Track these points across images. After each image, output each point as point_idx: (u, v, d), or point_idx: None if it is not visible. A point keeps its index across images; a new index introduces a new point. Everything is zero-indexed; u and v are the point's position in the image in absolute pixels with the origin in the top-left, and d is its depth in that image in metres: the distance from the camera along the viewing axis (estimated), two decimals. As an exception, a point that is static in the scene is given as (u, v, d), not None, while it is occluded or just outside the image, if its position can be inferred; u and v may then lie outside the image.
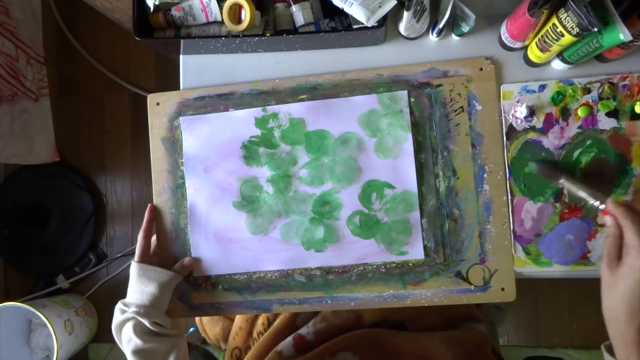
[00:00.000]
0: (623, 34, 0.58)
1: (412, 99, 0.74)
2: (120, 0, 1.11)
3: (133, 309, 0.70)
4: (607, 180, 0.70)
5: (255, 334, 0.82)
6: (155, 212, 0.79)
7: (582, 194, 0.65)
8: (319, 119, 0.76)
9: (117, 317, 0.71)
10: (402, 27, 0.72)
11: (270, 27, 0.76)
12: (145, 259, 0.75)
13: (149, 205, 0.79)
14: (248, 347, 0.83)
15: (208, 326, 0.93)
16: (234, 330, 0.85)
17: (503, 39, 0.71)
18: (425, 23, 0.72)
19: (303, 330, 0.75)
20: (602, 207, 0.61)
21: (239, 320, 0.85)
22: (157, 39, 0.76)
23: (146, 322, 0.69)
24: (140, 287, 0.71)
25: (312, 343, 0.73)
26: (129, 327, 0.70)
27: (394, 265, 0.73)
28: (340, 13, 0.72)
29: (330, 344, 0.71)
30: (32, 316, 1.56)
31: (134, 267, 0.73)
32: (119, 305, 0.72)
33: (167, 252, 0.79)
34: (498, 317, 1.37)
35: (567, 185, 0.68)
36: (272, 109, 0.77)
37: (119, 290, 1.64)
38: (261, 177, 0.77)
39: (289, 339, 0.75)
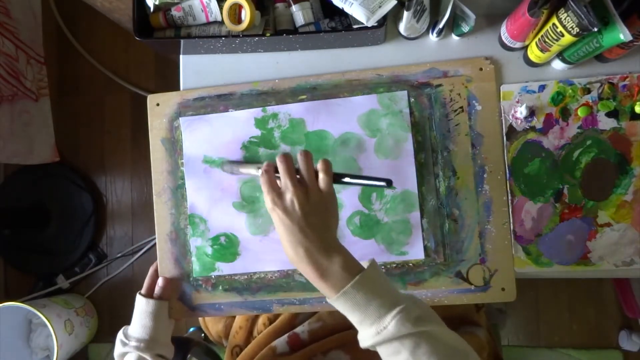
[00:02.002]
0: (623, 34, 0.58)
1: (412, 99, 0.74)
2: (121, 0, 1.11)
3: (133, 342, 0.71)
4: (606, 180, 0.70)
5: (255, 333, 0.82)
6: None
7: (245, 170, 0.72)
8: (318, 119, 0.76)
9: (118, 348, 0.73)
10: (402, 27, 0.72)
11: (270, 27, 0.76)
12: (151, 292, 0.77)
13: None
14: (249, 345, 0.83)
15: (210, 323, 0.94)
16: (234, 329, 0.85)
17: (503, 39, 0.71)
18: (425, 23, 0.72)
19: (298, 329, 0.76)
20: (261, 169, 0.62)
21: (239, 319, 0.85)
22: (157, 39, 0.76)
23: (147, 356, 0.71)
24: (139, 320, 0.73)
25: (306, 342, 0.75)
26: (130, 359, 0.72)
27: (394, 265, 0.73)
28: (340, 13, 0.72)
29: (323, 343, 0.72)
30: (32, 316, 1.55)
31: (137, 300, 0.75)
32: (120, 336, 0.73)
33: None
34: (501, 320, 1.37)
35: (237, 170, 0.73)
36: (272, 109, 0.77)
37: (119, 290, 1.64)
38: (261, 177, 0.77)
39: (285, 336, 0.76)
